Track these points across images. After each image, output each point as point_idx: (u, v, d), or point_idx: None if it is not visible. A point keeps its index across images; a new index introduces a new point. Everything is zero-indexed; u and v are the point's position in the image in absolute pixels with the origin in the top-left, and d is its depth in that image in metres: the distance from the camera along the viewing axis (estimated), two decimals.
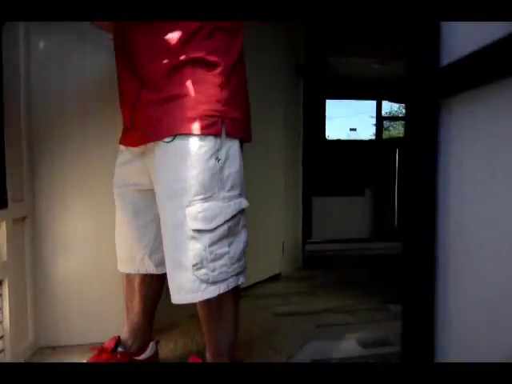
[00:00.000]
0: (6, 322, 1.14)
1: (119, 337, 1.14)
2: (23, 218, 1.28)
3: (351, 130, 4.89)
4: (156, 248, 1.05)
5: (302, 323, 1.60)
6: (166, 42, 0.87)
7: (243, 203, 0.93)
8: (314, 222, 2.89)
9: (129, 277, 1.14)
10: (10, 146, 1.16)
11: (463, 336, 0.58)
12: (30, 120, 1.30)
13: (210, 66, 0.88)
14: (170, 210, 0.89)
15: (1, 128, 1.12)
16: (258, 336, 1.46)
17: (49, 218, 1.33)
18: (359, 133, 5.41)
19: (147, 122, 0.91)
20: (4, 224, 1.15)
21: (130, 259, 1.09)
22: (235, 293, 0.96)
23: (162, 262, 1.04)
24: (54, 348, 1.34)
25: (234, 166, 0.91)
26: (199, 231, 0.84)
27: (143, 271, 1.09)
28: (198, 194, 0.85)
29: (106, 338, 1.13)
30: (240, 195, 0.92)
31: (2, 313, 1.14)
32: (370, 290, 2.03)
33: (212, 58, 0.89)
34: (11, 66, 1.19)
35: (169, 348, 1.37)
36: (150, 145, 0.94)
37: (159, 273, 1.09)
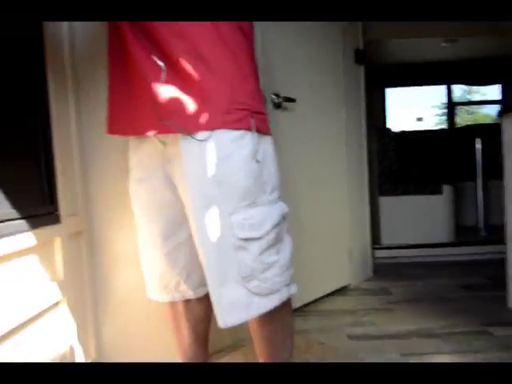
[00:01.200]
0: (68, 343, 1.06)
1: None
2: (78, 233, 1.19)
3: (418, 119, 4.40)
4: (192, 271, 0.93)
5: (383, 350, 1.34)
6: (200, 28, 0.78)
7: (284, 207, 0.86)
8: (383, 225, 2.58)
9: (170, 303, 1.01)
10: (60, 157, 1.07)
11: None
12: (80, 128, 1.19)
13: (236, 55, 0.80)
14: (209, 220, 0.77)
15: (50, 139, 1.02)
16: None
17: (105, 231, 1.23)
18: (424, 122, 4.87)
19: (174, 111, 0.77)
20: (59, 240, 1.06)
21: (162, 287, 0.96)
22: (291, 305, 0.92)
23: (200, 284, 0.94)
24: None
25: (271, 167, 0.84)
26: (247, 240, 0.77)
27: (179, 298, 0.97)
28: (242, 200, 0.77)
29: (168, 355, 1.07)
30: (279, 198, 0.85)
31: (63, 333, 1.05)
32: (462, 308, 1.70)
33: (238, 48, 0.81)
34: (57, 65, 1.09)
35: None
36: (171, 147, 0.82)
37: (199, 296, 0.97)
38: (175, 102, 0.77)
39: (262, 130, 0.83)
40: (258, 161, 0.80)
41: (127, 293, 1.25)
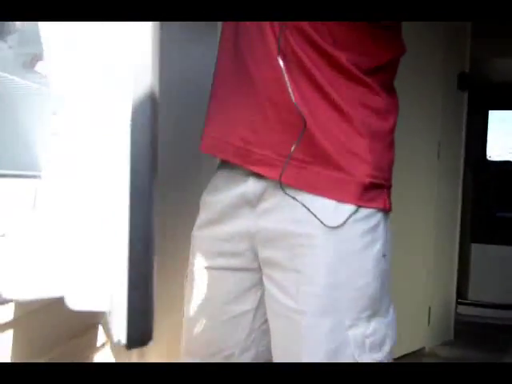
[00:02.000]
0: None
1: None
2: None
3: None
4: (248, 346, 0.79)
5: None
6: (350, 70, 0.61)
7: (393, 312, 0.67)
8: (472, 278, 2.22)
9: None
10: None
11: None
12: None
13: (383, 113, 0.65)
14: (320, 330, 0.63)
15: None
16: None
17: (159, 260, 1.19)
18: None
19: (305, 165, 0.62)
20: None
21: (208, 354, 0.82)
22: None
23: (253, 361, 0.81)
24: None
25: (390, 257, 0.67)
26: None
27: None
28: (364, 310, 0.62)
29: None
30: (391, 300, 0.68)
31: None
32: None
33: (388, 103, 0.65)
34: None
35: None
36: (271, 198, 0.64)
37: None
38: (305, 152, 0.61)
39: (389, 209, 0.67)
40: (384, 255, 0.65)
41: (169, 331, 1.20)
